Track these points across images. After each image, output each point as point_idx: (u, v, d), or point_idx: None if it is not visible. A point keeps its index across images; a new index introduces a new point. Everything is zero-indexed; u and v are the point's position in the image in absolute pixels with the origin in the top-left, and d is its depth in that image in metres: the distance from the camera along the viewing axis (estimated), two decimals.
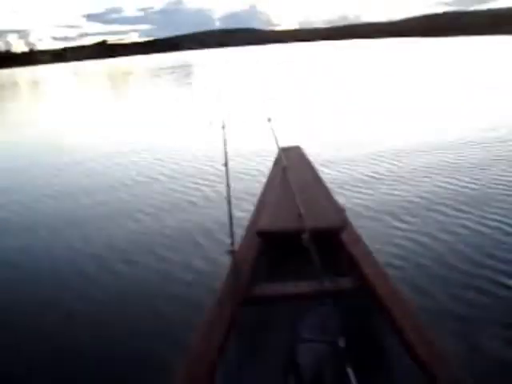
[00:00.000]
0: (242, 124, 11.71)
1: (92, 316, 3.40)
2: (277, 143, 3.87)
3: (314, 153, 6.93)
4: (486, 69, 20.55)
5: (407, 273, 3.64)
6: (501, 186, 5.47)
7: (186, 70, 43.20)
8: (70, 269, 4.23)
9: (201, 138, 9.84)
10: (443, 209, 4.99)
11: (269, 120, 4.40)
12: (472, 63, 25.19)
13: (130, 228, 5.18)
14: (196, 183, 6.82)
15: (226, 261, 2.37)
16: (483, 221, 4.51)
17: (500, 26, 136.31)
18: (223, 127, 3.88)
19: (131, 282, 3.93)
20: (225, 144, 3.52)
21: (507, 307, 3.12)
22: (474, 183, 5.74)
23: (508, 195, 5.14)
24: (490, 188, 5.47)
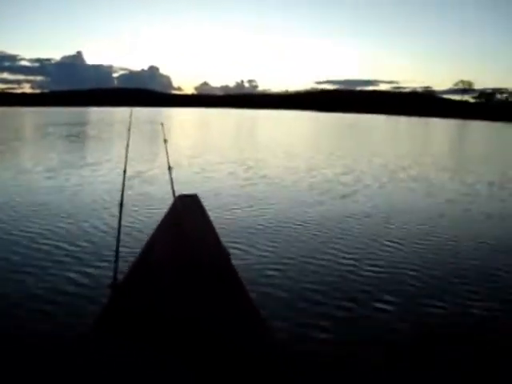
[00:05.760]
0: (143, 171, 14.70)
1: None
2: (173, 190, 3.97)
3: (211, 201, 9.99)
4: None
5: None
6: None
7: (85, 126, 43.12)
8: None
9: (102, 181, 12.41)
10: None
11: (169, 168, 4.60)
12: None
13: (15, 260, 6.35)
14: (90, 222, 8.36)
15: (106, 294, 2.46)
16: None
17: (382, 106, 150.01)
18: (124, 171, 4.06)
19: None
20: (123, 186, 3.67)
21: None
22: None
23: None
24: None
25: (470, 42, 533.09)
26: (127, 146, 4.82)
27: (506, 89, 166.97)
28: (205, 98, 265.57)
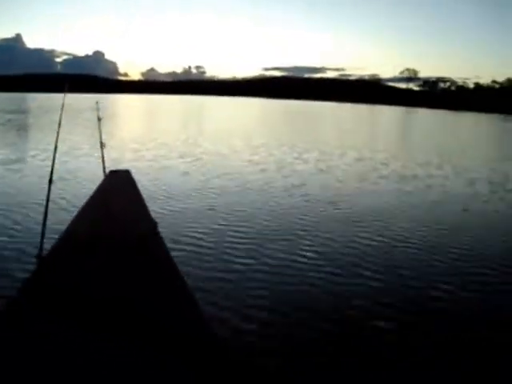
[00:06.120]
0: (76, 148, 14.71)
1: None
2: (104, 167, 4.25)
3: (143, 176, 10.18)
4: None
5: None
6: None
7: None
8: None
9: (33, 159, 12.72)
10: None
11: (102, 145, 4.87)
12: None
13: None
14: (17, 199, 8.19)
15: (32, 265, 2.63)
16: None
17: (330, 93, 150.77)
18: (55, 148, 4.01)
19: None
20: (53, 163, 3.71)
21: None
22: None
23: None
24: None
25: (416, 30, 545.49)
26: (59, 123, 4.59)
27: (448, 78, 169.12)
28: (152, 84, 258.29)
